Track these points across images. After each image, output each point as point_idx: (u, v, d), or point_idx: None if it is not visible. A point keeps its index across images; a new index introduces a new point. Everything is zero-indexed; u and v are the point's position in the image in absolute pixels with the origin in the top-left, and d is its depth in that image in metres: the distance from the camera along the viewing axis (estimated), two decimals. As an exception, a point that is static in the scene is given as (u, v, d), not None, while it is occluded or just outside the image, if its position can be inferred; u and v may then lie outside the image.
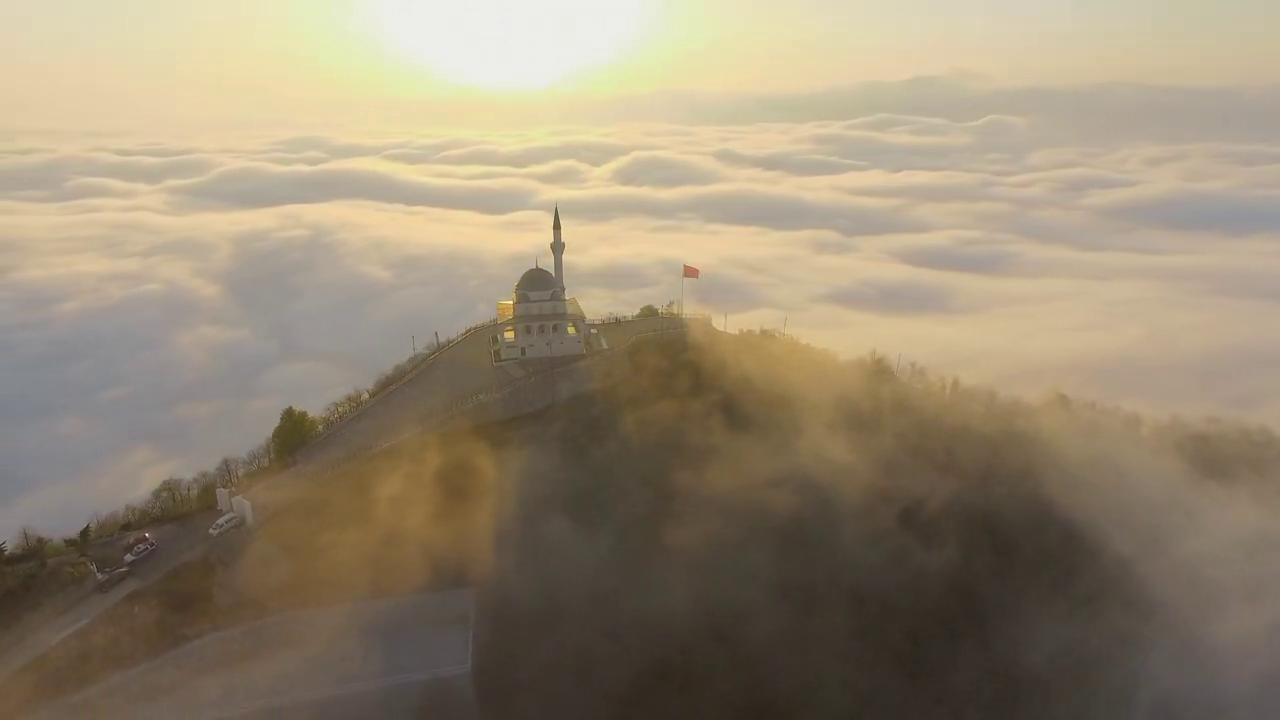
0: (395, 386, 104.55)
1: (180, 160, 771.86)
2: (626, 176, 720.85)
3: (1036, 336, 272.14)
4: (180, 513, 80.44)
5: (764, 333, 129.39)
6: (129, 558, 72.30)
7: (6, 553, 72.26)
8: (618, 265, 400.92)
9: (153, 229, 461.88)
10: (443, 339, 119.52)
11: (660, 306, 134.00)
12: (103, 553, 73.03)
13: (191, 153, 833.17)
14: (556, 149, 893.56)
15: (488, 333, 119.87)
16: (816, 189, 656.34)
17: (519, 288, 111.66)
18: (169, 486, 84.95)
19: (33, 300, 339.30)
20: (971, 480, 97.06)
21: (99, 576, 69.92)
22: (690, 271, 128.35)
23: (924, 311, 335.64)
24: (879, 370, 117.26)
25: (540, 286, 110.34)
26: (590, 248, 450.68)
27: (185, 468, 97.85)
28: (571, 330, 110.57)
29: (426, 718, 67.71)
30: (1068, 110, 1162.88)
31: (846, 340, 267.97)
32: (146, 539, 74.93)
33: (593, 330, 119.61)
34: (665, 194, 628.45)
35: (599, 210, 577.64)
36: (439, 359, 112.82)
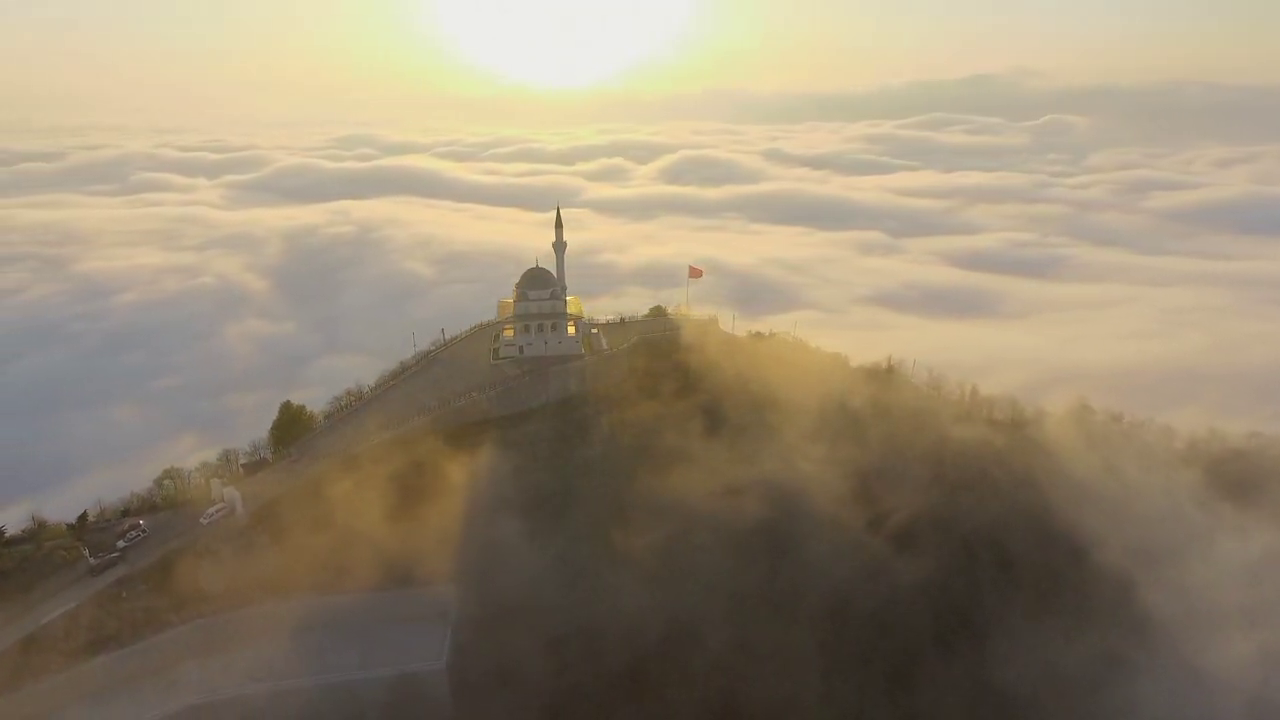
0: (394, 382, 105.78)
1: (239, 156, 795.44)
2: (672, 175, 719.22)
3: (1085, 343, 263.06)
4: (180, 500, 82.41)
5: (773, 335, 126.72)
6: (121, 543, 74.13)
7: (6, 535, 74.96)
8: (658, 264, 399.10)
9: (209, 223, 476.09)
10: (449, 335, 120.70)
11: (670, 307, 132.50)
12: (97, 538, 75.29)
13: (250, 149, 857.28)
14: (604, 147, 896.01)
15: (491, 330, 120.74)
16: (865, 189, 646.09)
17: (518, 286, 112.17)
18: (170, 474, 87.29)
19: (93, 291, 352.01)
20: (960, 490, 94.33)
21: (91, 561, 71.94)
22: (694, 272, 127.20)
23: (969, 315, 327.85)
24: (887, 376, 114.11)
25: (539, 285, 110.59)
26: (632, 246, 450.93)
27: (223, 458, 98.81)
28: (571, 330, 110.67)
29: (397, 712, 68.28)
30: (1132, 110, 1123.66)
31: (881, 343, 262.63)
32: (140, 525, 76.89)
33: (593, 330, 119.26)
34: (710, 193, 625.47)
35: (643, 209, 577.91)
36: (440, 356, 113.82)
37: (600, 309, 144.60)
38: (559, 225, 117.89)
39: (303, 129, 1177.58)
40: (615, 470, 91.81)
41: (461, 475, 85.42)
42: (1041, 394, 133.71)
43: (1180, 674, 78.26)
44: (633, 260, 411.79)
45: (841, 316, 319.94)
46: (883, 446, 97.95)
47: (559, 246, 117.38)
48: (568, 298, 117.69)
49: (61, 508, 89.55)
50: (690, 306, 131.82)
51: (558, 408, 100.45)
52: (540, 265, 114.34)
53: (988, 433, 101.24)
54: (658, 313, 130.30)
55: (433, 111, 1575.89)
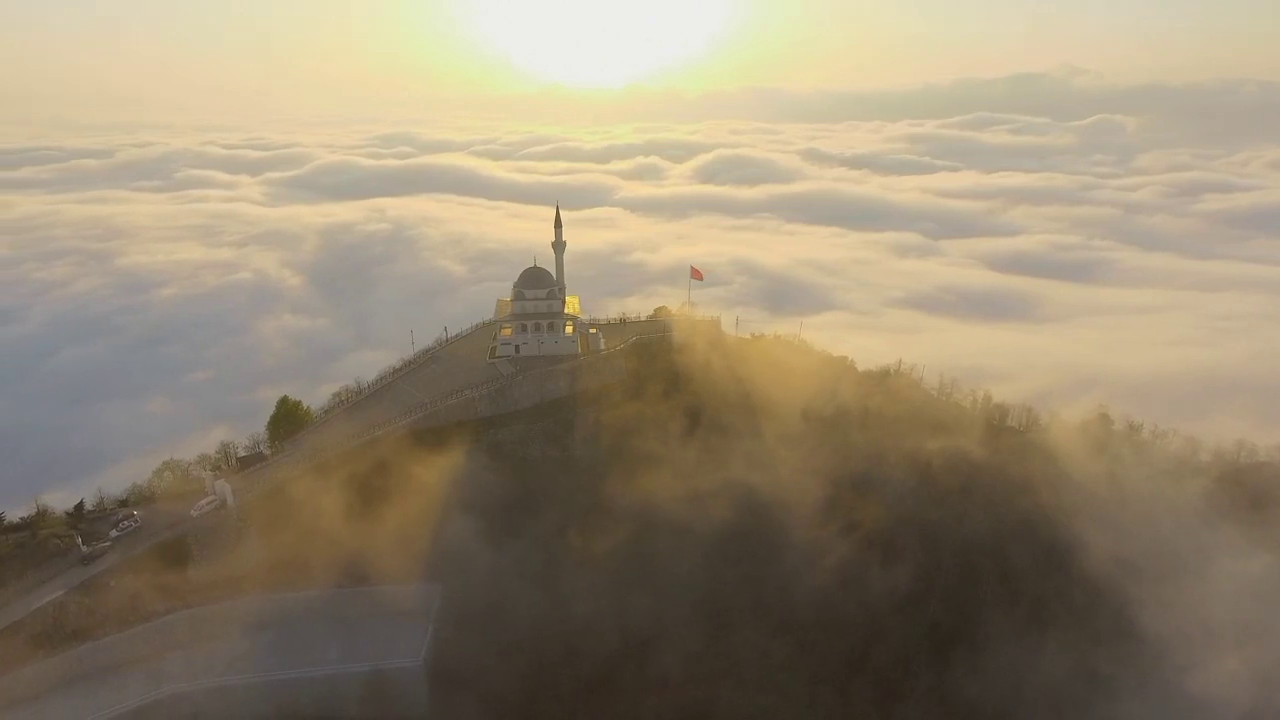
0: (392, 380, 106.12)
1: (281, 154, 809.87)
2: (707, 174, 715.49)
3: (1125, 349, 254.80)
4: (178, 492, 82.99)
5: (776, 338, 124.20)
6: (114, 533, 75.22)
7: (5, 522, 76.33)
8: (689, 264, 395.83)
9: (249, 219, 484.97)
10: (453, 334, 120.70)
11: (675, 308, 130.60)
12: (93, 527, 76.38)
13: (292, 146, 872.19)
14: (640, 146, 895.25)
15: (492, 329, 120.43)
16: (903, 190, 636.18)
17: (516, 285, 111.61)
18: (169, 466, 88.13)
19: (136, 285, 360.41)
20: (948, 499, 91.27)
21: (83, 549, 72.96)
22: (695, 274, 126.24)
23: (1006, 319, 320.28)
24: (884, 381, 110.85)
25: (537, 285, 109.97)
26: (664, 245, 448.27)
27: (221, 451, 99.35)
28: (568, 329, 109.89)
29: (374, 706, 68.13)
30: (1184, 110, 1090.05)
31: (910, 346, 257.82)
32: (134, 516, 77.89)
33: (591, 330, 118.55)
34: (745, 193, 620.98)
35: (677, 208, 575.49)
36: (439, 353, 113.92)
37: (630, 308, 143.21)
38: (558, 225, 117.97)
39: (344, 127, 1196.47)
40: (593, 472, 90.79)
41: (445, 474, 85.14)
42: (1065, 401, 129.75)
43: (1168, 695, 74.79)
44: (664, 260, 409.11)
45: (873, 319, 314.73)
46: (867, 452, 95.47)
47: (558, 246, 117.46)
48: (566, 297, 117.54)
49: (91, 498, 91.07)
50: (693, 308, 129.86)
51: (548, 407, 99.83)
52: (538, 265, 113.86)
53: (985, 440, 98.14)
54: (662, 313, 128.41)
55: (471, 110, 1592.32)
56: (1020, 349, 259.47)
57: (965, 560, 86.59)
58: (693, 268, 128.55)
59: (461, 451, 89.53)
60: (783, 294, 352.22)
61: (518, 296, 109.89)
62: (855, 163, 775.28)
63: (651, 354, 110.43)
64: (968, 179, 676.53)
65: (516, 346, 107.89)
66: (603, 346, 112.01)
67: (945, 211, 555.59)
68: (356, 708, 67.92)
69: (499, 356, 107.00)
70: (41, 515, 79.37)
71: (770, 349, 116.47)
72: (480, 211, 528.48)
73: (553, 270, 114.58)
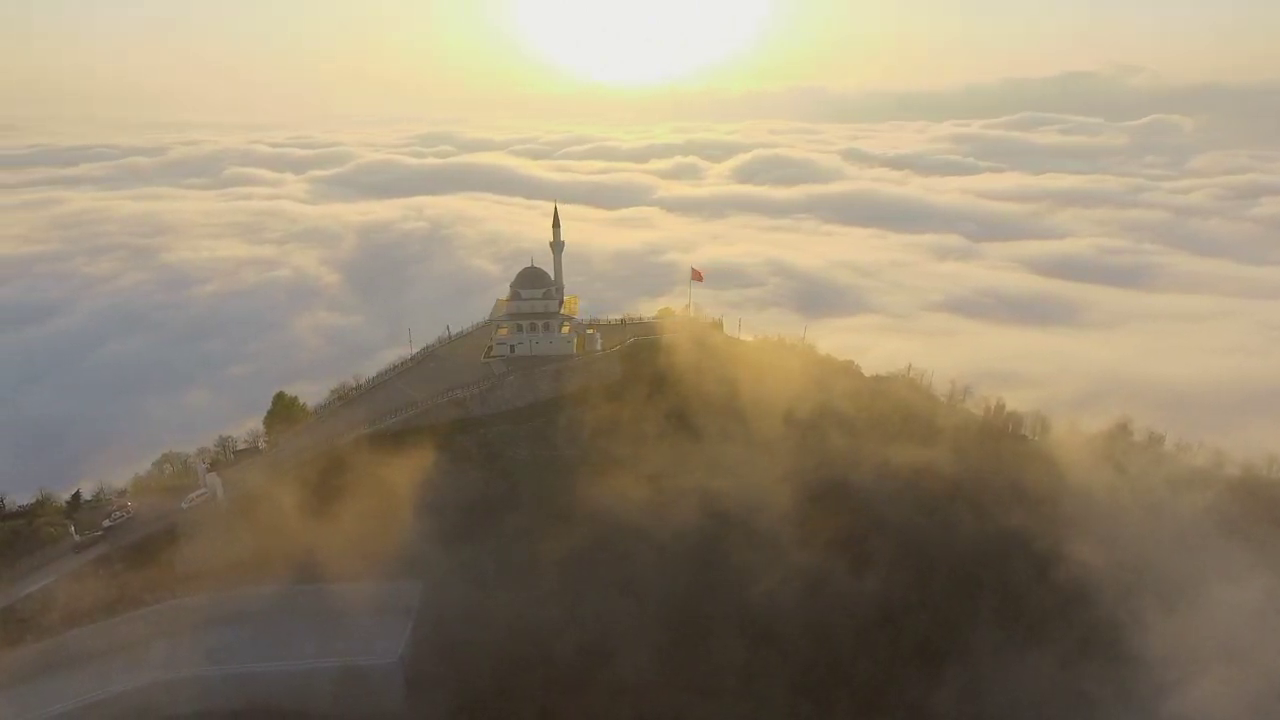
0: (388, 377, 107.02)
1: (325, 152, 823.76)
2: (746, 174, 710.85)
3: (1170, 357, 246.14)
4: (176, 484, 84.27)
5: (780, 341, 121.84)
6: (106, 523, 76.47)
7: (5, 509, 78.55)
8: (723, 264, 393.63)
9: (291, 217, 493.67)
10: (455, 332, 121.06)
11: (678, 308, 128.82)
12: (89, 516, 77.98)
13: (336, 145, 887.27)
14: (679, 146, 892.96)
15: (491, 328, 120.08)
16: (945, 191, 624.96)
17: (513, 284, 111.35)
18: (169, 458, 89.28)
19: (179, 281, 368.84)
20: (934, 508, 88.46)
21: (76, 538, 74.38)
22: (695, 275, 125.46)
23: (1048, 324, 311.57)
24: (877, 385, 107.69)
25: (533, 284, 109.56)
26: (699, 245, 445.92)
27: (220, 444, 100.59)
28: (565, 330, 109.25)
29: (348, 702, 68.43)
30: (1244, 110, 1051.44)
31: (944, 350, 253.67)
32: (127, 507, 79.23)
33: (589, 330, 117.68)
34: (783, 193, 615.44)
35: (714, 208, 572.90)
36: (437, 352, 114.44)
37: (659, 309, 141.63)
38: (556, 225, 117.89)
39: (387, 126, 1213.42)
40: (578, 473, 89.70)
41: (432, 473, 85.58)
42: (1096, 409, 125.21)
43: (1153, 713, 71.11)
44: (697, 260, 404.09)
45: (908, 321, 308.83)
46: (851, 459, 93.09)
47: (556, 246, 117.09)
48: (565, 298, 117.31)
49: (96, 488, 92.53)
50: (697, 309, 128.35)
51: (539, 407, 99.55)
52: (535, 264, 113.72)
53: (983, 448, 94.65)
54: (665, 314, 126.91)
55: (512, 110, 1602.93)
56: (1060, 355, 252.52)
57: (951, 571, 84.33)
58: (693, 269, 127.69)
59: (449, 450, 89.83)
60: (817, 295, 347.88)
61: (514, 296, 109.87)
62: (897, 163, 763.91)
63: (648, 356, 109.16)
64: (1012, 180, 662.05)
65: (512, 346, 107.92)
66: (599, 347, 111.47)
67: (988, 213, 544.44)
68: (331, 703, 68.31)
69: (494, 356, 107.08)
70: (40, 504, 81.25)
71: (768, 353, 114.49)
72: (517, 210, 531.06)
73: (551, 270, 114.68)
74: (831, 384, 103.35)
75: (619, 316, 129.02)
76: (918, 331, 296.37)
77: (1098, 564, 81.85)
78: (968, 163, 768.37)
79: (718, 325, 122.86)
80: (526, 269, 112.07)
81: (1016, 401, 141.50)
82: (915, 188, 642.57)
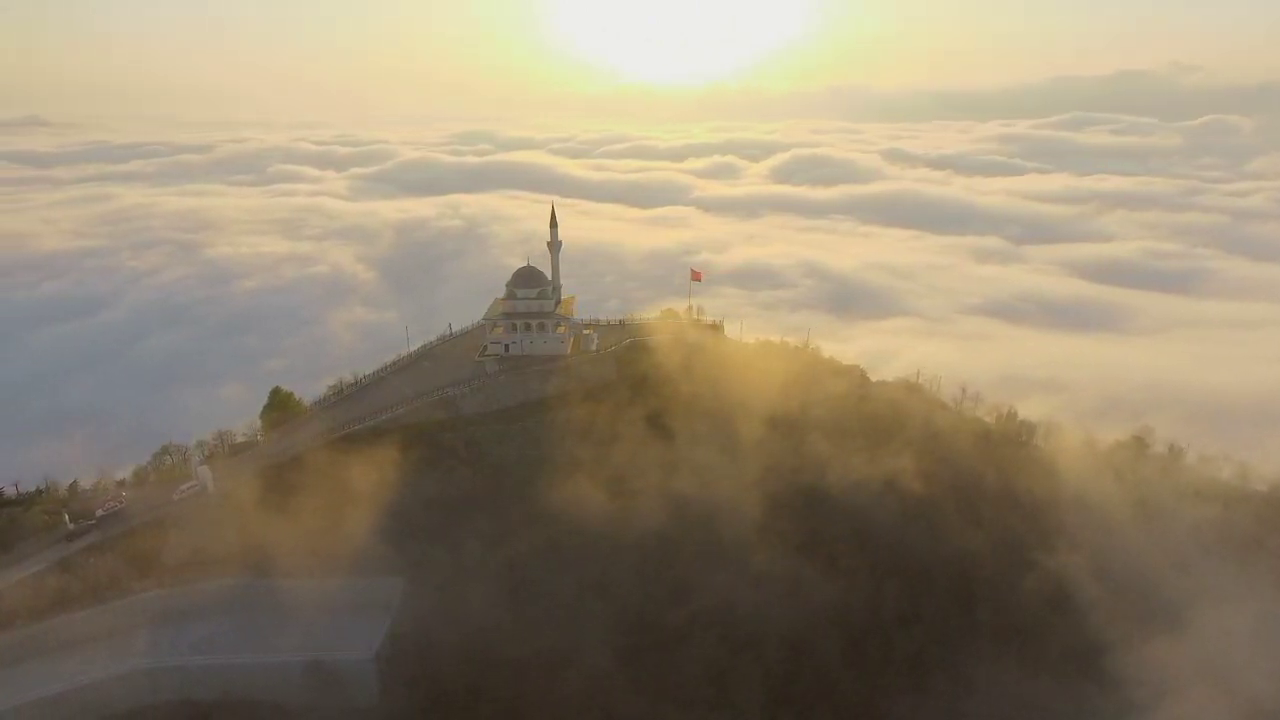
0: (384, 374, 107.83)
1: (367, 150, 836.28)
2: (784, 174, 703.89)
3: (1219, 365, 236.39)
4: (174, 476, 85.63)
5: (783, 344, 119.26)
6: (99, 513, 77.92)
7: (4, 496, 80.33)
8: (756, 265, 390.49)
9: (330, 214, 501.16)
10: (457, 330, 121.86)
11: (680, 309, 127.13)
12: (82, 506, 79.24)
13: (378, 143, 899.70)
14: (717, 145, 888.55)
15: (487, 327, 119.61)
16: (989, 192, 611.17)
17: (509, 284, 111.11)
18: (168, 450, 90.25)
19: (219, 276, 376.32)
20: (916, 517, 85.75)
21: (69, 526, 75.71)
22: (695, 276, 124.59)
23: (1089, 330, 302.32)
24: (863, 391, 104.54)
25: (529, 284, 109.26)
26: (732, 246, 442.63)
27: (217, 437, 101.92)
28: (561, 330, 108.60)
29: (324, 696, 68.49)
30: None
31: (978, 355, 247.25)
32: (121, 497, 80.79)
33: (586, 331, 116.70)
34: (821, 193, 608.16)
35: (749, 208, 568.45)
36: (434, 350, 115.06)
37: (663, 309, 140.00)
38: (553, 225, 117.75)
39: (429, 125, 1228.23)
40: (564, 474, 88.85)
41: (419, 471, 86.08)
42: (1119, 418, 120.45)
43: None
44: (730, 261, 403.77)
45: (943, 325, 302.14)
46: (832, 465, 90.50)
47: (554, 246, 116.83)
48: (563, 298, 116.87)
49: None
50: (700, 311, 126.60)
51: (530, 407, 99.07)
52: (532, 264, 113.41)
53: (975, 456, 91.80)
54: (669, 315, 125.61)
55: (552, 109, 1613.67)
56: (1100, 361, 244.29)
57: (923, 577, 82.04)
58: (692, 270, 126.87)
59: (437, 448, 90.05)
60: (850, 298, 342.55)
61: (510, 295, 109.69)
62: (939, 163, 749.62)
63: (642, 358, 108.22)
64: (1059, 181, 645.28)
65: (506, 345, 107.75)
66: (594, 348, 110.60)
67: (1033, 215, 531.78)
68: (307, 696, 68.61)
69: (488, 355, 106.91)
70: (40, 492, 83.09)
71: (767, 356, 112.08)
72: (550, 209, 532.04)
73: (548, 270, 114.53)
74: (826, 389, 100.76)
75: (620, 317, 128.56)
76: (953, 335, 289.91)
77: (1082, 577, 79.09)
78: (1013, 163, 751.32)
79: (718, 328, 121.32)
80: (522, 269, 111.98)
81: (1043, 409, 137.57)
82: (957, 188, 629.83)
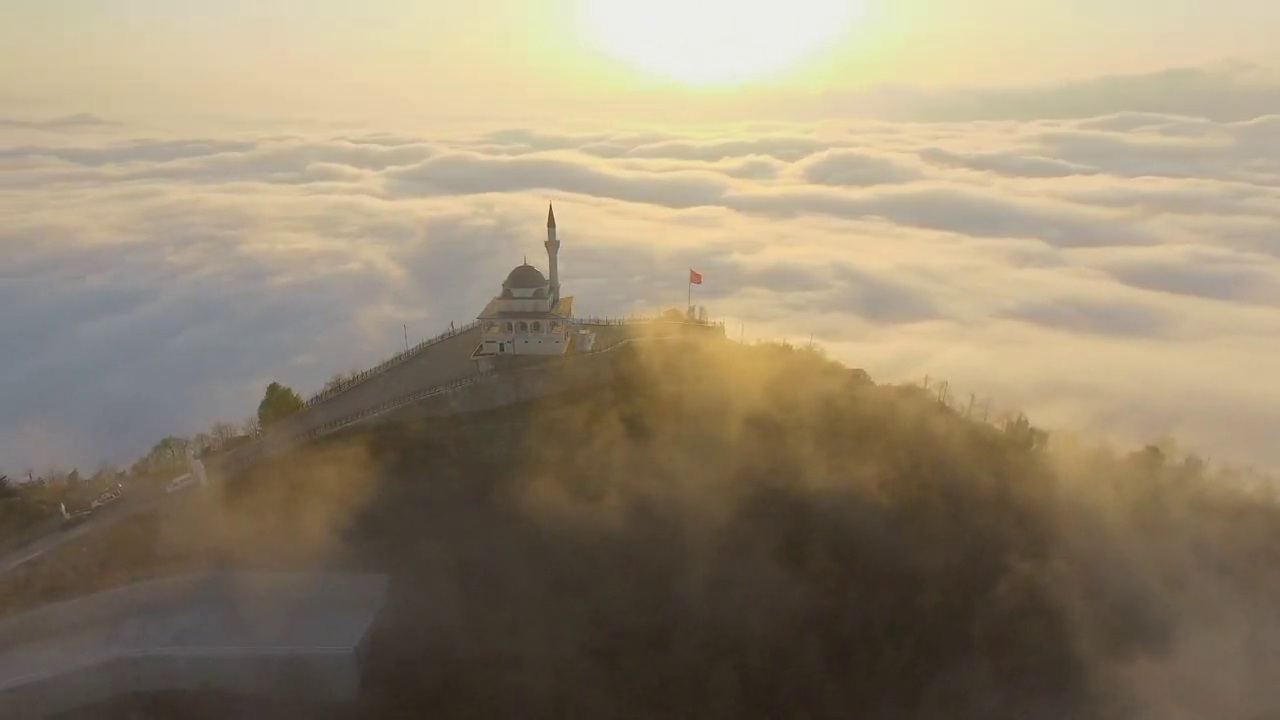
0: (381, 371, 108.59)
1: (404, 149, 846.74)
2: (819, 174, 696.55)
3: (1265, 374, 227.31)
4: (171, 469, 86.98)
5: (785, 346, 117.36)
6: (95, 503, 79.22)
7: (5, 484, 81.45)
8: (787, 266, 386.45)
9: (366, 211, 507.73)
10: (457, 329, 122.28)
11: (682, 310, 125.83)
12: (80, 496, 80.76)
13: (416, 142, 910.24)
14: (752, 145, 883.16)
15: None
16: (1030, 193, 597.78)
17: (505, 283, 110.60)
18: (169, 443, 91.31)
19: (255, 272, 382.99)
20: (897, 526, 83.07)
21: (65, 516, 76.97)
22: (694, 277, 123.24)
23: (1132, 335, 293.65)
24: (855, 394, 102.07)
25: (525, 283, 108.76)
26: (764, 246, 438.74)
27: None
28: (557, 330, 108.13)
29: (303, 690, 68.74)
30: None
31: (1012, 360, 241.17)
32: (118, 488, 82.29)
33: (582, 331, 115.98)
34: (856, 194, 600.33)
35: (783, 208, 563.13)
36: (432, 349, 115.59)
37: (720, 310, 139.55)
38: (551, 224, 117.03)
39: (466, 124, 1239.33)
40: (539, 474, 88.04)
41: (407, 468, 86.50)
42: (1142, 426, 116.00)
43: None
44: (761, 261, 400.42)
45: (976, 329, 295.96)
46: (819, 469, 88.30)
47: (551, 245, 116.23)
48: (560, 298, 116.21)
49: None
50: (702, 313, 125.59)
51: (521, 407, 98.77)
52: (527, 263, 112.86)
53: (971, 464, 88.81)
54: (673, 317, 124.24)
55: (590, 108, 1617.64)
56: (1139, 368, 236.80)
57: (895, 585, 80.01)
58: (692, 271, 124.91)
59: (427, 446, 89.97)
60: (881, 300, 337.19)
61: (505, 295, 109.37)
62: (979, 163, 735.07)
63: (637, 359, 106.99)
64: (1103, 183, 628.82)
65: (501, 345, 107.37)
66: (590, 348, 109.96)
67: (1075, 217, 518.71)
68: (287, 689, 68.95)
69: (483, 354, 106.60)
70: (41, 482, 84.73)
71: (765, 359, 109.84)
72: (583, 208, 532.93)
73: (546, 269, 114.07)
74: (818, 391, 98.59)
75: (620, 318, 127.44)
76: (987, 340, 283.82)
77: (1068, 589, 76.55)
78: (1056, 164, 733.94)
79: (718, 330, 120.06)
80: (519, 268, 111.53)
81: (1065, 416, 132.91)
82: (998, 189, 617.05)
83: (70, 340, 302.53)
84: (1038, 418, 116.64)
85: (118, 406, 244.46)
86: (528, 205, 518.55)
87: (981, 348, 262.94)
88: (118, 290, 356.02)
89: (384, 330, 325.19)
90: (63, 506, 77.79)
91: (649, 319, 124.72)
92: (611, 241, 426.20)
